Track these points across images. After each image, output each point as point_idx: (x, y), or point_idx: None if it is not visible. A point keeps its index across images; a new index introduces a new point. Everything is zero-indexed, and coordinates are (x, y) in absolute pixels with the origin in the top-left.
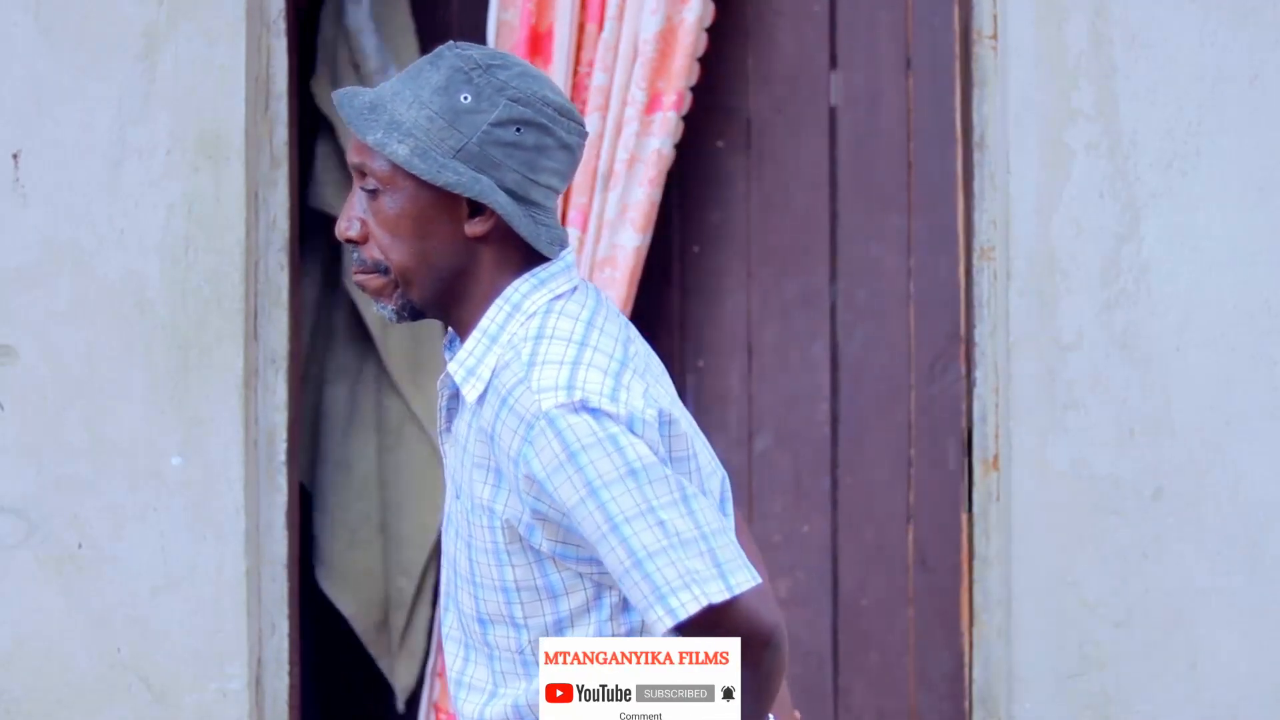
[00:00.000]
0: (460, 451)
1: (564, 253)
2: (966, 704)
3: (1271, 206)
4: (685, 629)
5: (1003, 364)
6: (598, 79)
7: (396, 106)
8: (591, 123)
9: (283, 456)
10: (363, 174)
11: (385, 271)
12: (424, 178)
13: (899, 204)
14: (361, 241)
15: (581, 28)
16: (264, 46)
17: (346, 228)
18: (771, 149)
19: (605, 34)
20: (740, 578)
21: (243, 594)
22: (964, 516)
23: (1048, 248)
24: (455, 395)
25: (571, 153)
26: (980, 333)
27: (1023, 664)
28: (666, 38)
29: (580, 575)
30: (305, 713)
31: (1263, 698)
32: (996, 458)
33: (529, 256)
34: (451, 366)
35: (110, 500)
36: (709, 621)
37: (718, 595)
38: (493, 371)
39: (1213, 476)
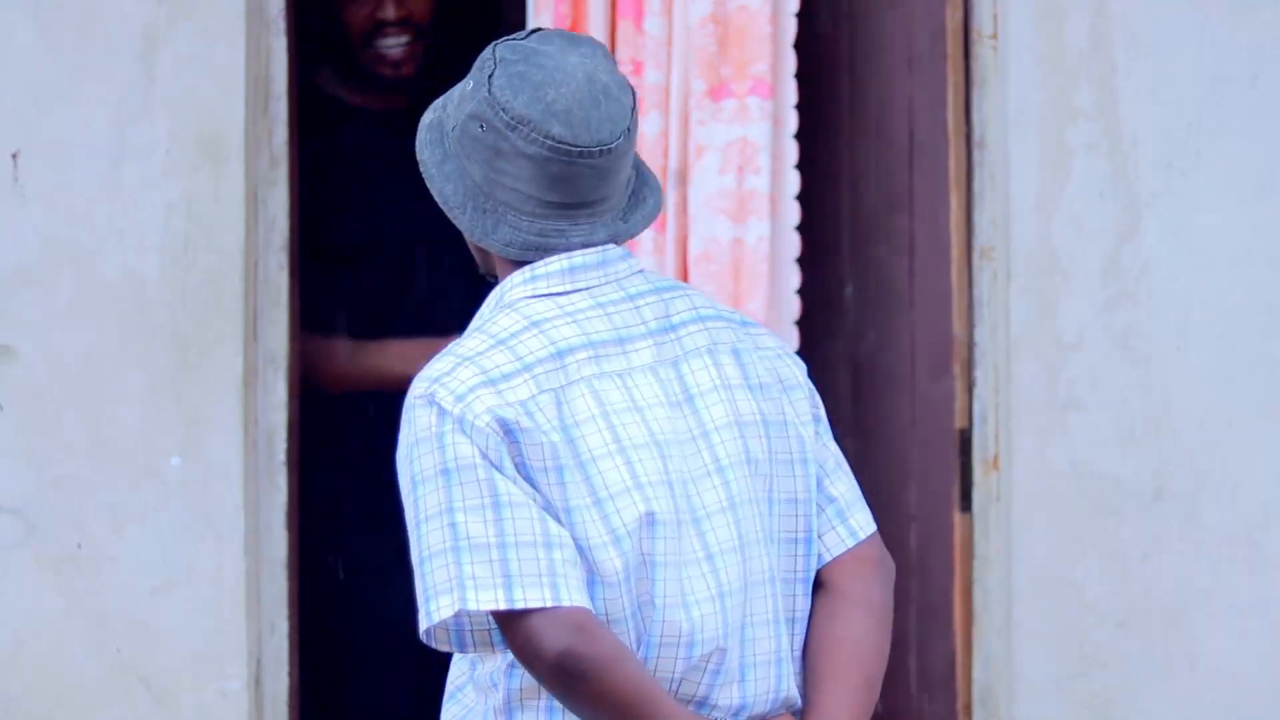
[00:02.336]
0: None
1: (574, 254)
2: (966, 704)
3: (1272, 206)
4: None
5: (1003, 364)
6: (652, 77)
7: None
8: (652, 121)
9: (282, 456)
10: None
11: None
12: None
13: (902, 204)
14: None
15: (614, 26)
16: (263, 46)
17: None
18: None
19: (653, 30)
20: (528, 594)
21: (242, 594)
22: (964, 517)
23: (1048, 247)
24: None
25: (534, 162)
26: (980, 333)
27: (1023, 664)
28: (720, 21)
29: None
30: (304, 713)
31: (1263, 698)
32: (996, 458)
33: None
34: None
35: (109, 500)
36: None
37: (486, 604)
38: None
39: (1213, 476)
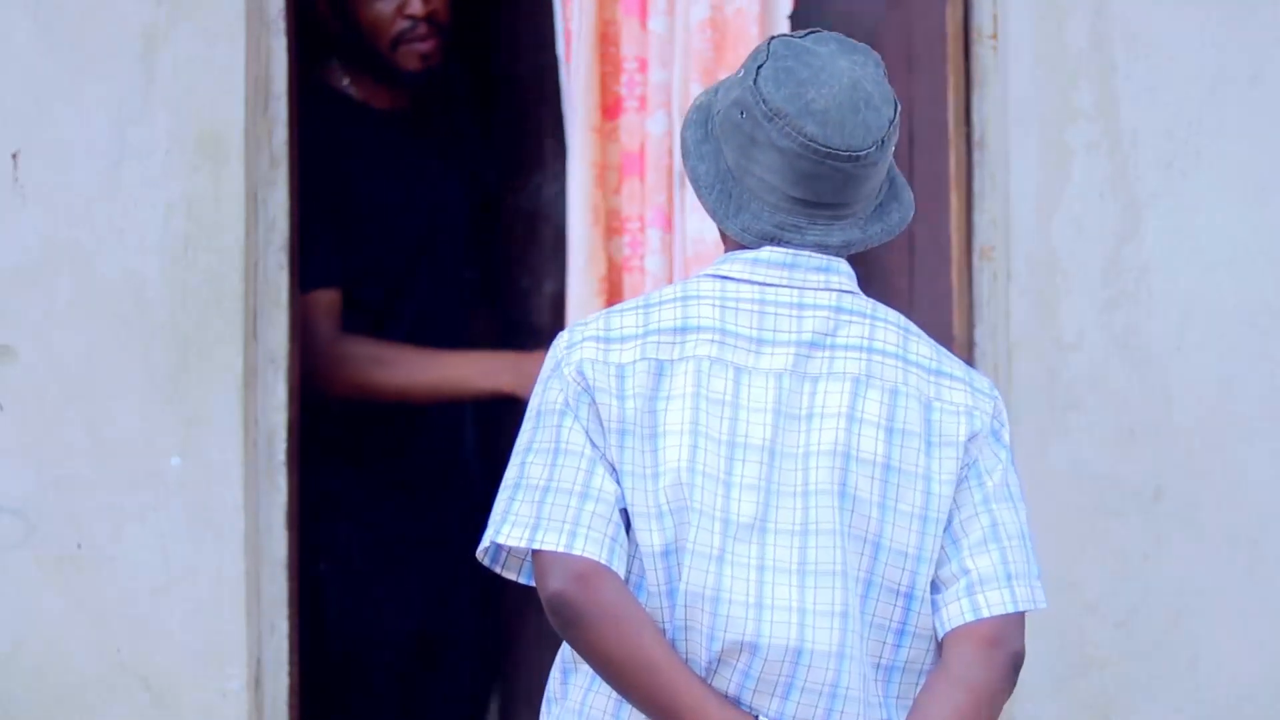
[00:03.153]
0: None
1: (768, 249)
2: None
3: (1272, 206)
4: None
5: (1003, 364)
6: (657, 75)
7: None
8: (658, 120)
9: (282, 457)
10: None
11: None
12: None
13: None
14: None
15: (616, 24)
16: (263, 46)
17: None
18: None
19: (658, 29)
20: (547, 537)
21: (242, 594)
22: None
23: (1048, 248)
24: None
25: (785, 156)
26: (980, 333)
27: (1023, 666)
28: (718, 26)
29: None
30: (304, 714)
31: (1263, 698)
32: None
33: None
34: None
35: (109, 500)
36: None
37: (514, 540)
38: None
39: (1213, 477)
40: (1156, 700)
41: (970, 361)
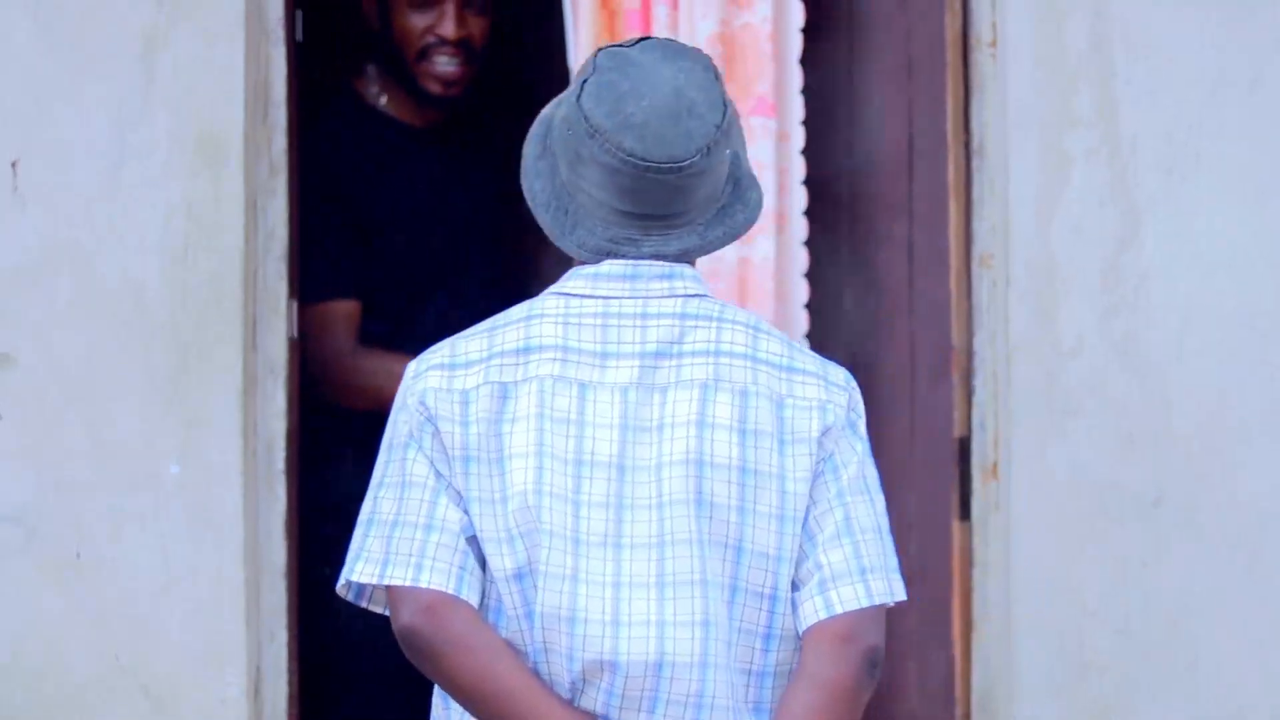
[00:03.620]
0: None
1: (608, 262)
2: (966, 712)
3: (1272, 211)
4: None
5: (1002, 371)
6: None
7: None
8: None
9: (281, 465)
10: None
11: None
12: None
13: (901, 211)
14: None
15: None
16: (263, 54)
17: None
18: None
19: None
20: (395, 572)
21: (242, 601)
22: (963, 525)
23: (1047, 254)
24: None
25: (608, 171)
26: (980, 339)
27: (1022, 671)
28: (726, 41)
29: None
30: None
31: (1263, 705)
32: (995, 465)
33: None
34: None
35: (109, 504)
36: None
37: (365, 577)
38: None
39: (1213, 483)
40: (1156, 706)
41: (970, 368)
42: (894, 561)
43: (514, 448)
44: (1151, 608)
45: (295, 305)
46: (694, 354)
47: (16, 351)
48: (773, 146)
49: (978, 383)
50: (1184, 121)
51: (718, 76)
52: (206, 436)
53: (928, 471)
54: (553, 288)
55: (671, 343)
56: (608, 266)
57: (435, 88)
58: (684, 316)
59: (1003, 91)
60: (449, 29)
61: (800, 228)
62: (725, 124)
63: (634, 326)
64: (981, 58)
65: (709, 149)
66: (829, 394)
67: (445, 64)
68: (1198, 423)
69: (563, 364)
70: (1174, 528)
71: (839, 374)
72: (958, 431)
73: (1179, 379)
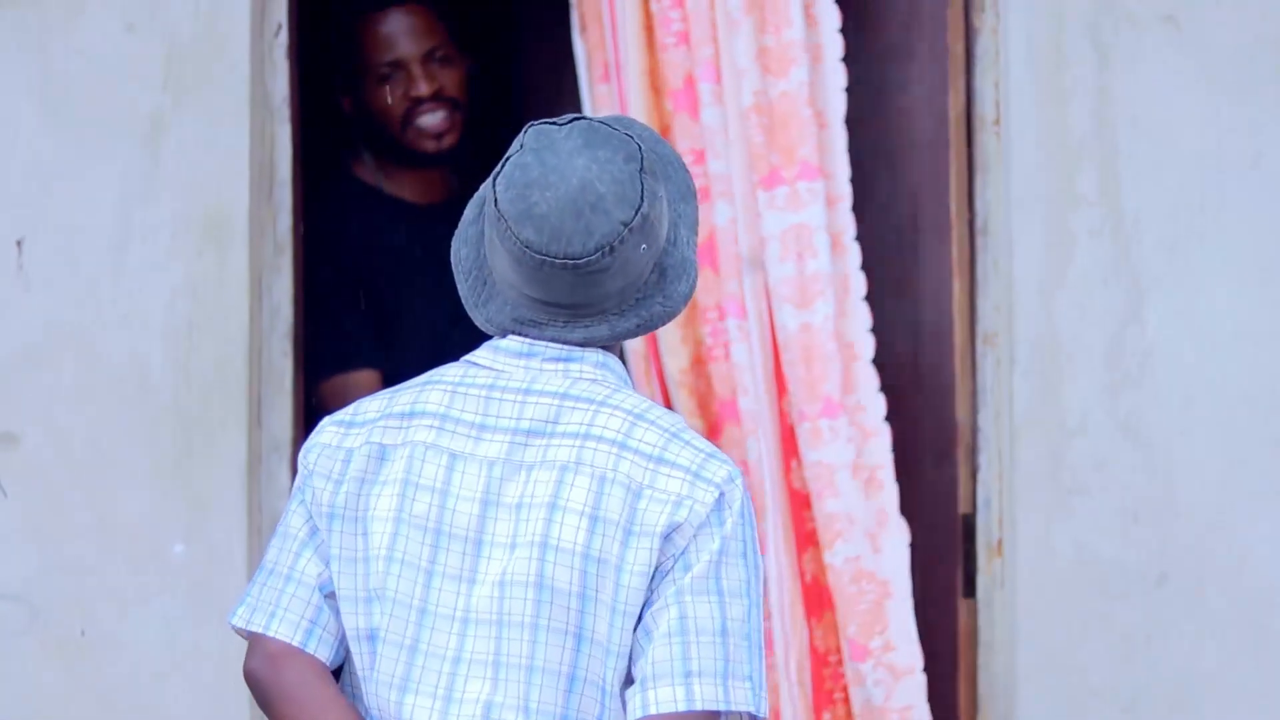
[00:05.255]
0: None
1: (511, 339)
2: None
3: (1274, 289)
4: None
5: (1006, 449)
6: (715, 167)
7: None
8: (720, 210)
9: None
10: None
11: None
12: None
13: (906, 289)
14: None
15: (668, 114)
16: (268, 133)
17: None
18: None
19: (710, 121)
20: (255, 618)
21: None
22: (968, 602)
23: (1051, 332)
24: None
25: (510, 257)
26: (984, 418)
27: None
28: (764, 111)
29: None
30: None
31: None
32: (1000, 543)
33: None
34: None
35: (113, 584)
36: None
37: (237, 621)
38: None
39: (1217, 560)
40: None
41: (974, 446)
42: (745, 669)
43: (377, 510)
44: (1156, 685)
45: (301, 380)
46: (564, 435)
47: (21, 431)
48: (822, 210)
49: (982, 460)
50: (1186, 200)
51: (644, 168)
52: (211, 517)
53: (932, 549)
54: (474, 353)
55: (546, 421)
56: (508, 342)
57: (429, 145)
58: (565, 397)
59: (1007, 170)
60: (422, 88)
61: (860, 284)
62: (638, 220)
63: (514, 402)
64: (986, 137)
65: (612, 247)
66: (691, 490)
67: (429, 119)
68: (1202, 500)
69: (439, 432)
70: (1178, 605)
71: (719, 471)
72: (962, 509)
73: (1183, 456)
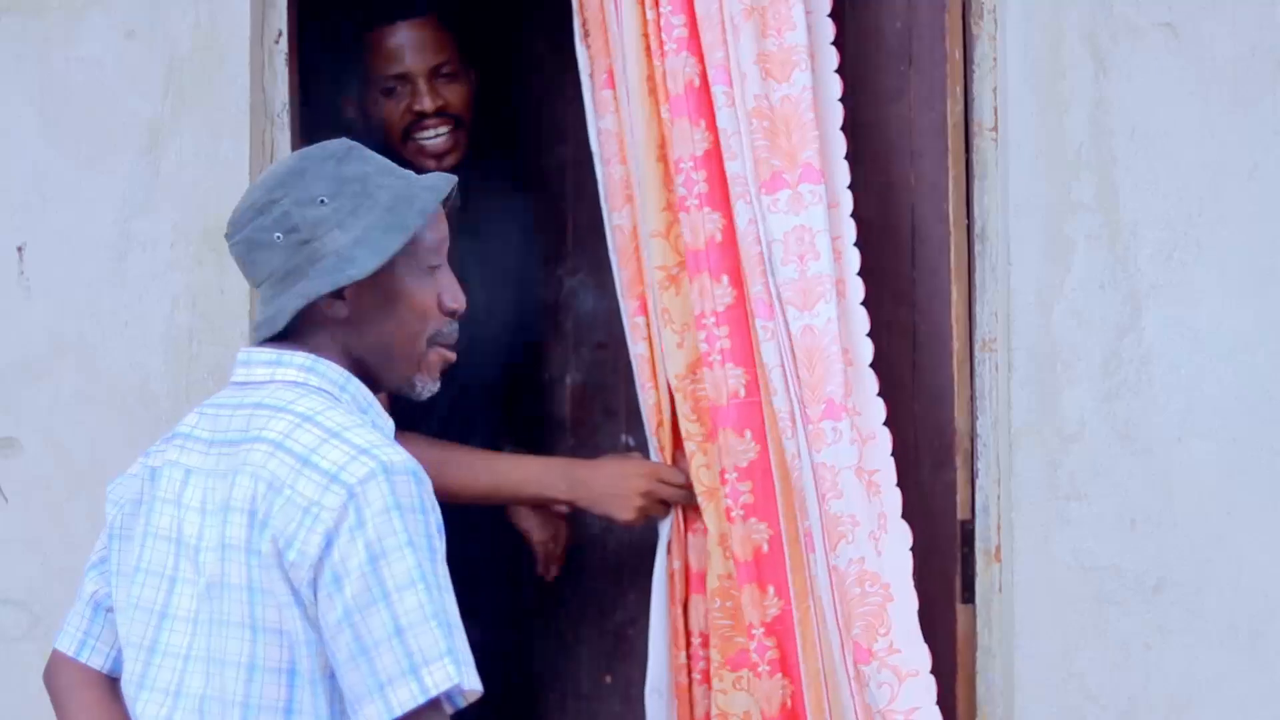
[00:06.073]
0: None
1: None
2: None
3: (1272, 297)
4: None
5: (1004, 455)
6: (733, 168)
7: None
8: (740, 211)
9: None
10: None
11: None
12: None
13: (904, 297)
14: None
15: (662, 121)
16: (268, 141)
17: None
18: None
19: (725, 124)
20: (58, 636)
21: None
22: (966, 608)
23: (1049, 339)
24: None
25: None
26: (982, 424)
27: None
28: (765, 114)
29: None
30: None
31: None
32: (998, 549)
33: None
34: None
35: None
36: None
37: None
38: None
39: (1215, 567)
40: None
41: (972, 453)
42: (437, 650)
43: (138, 527)
44: (1154, 692)
45: None
46: (249, 440)
47: (22, 438)
48: (824, 212)
49: (980, 467)
50: (1184, 208)
51: (303, 172)
52: None
53: (931, 554)
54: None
55: (243, 430)
56: (240, 353)
57: (429, 163)
58: (260, 406)
59: (1005, 177)
60: (425, 103)
61: (858, 288)
62: (264, 204)
63: (228, 415)
64: (983, 143)
65: (241, 224)
66: (322, 495)
67: (431, 137)
68: (1200, 506)
69: (181, 450)
70: (1176, 612)
71: (359, 470)
72: (961, 515)
73: (1181, 463)
